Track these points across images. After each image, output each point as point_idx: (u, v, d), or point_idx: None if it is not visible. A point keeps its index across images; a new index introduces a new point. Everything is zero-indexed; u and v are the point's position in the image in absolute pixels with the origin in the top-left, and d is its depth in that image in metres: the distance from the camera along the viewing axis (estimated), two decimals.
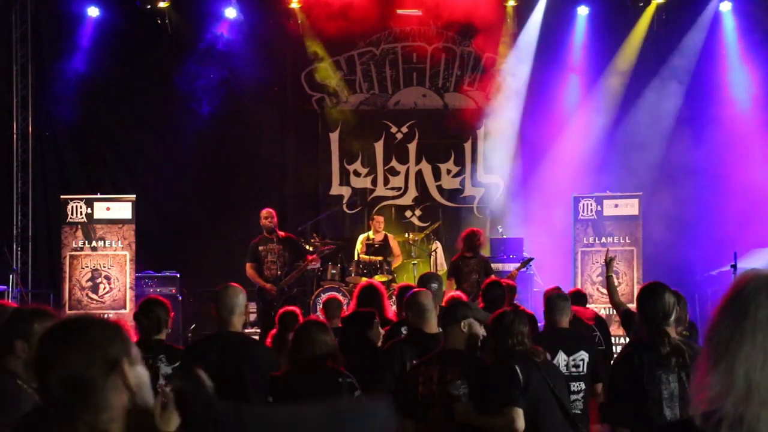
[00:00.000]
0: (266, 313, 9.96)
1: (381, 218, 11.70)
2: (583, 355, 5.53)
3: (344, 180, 13.40)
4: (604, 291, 11.23)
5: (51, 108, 12.73)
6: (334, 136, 13.40)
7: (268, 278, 10.35)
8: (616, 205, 11.47)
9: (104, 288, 11.08)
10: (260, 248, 10.47)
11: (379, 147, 13.39)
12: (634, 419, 4.03)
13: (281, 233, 10.57)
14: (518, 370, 4.17)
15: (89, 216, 11.11)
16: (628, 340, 6.75)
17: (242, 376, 4.74)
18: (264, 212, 10.58)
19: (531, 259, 10.65)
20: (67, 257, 11.11)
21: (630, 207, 11.46)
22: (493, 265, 10.48)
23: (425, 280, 6.56)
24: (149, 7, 12.50)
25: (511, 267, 11.38)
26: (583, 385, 5.47)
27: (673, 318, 4.13)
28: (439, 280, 6.62)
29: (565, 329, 5.79)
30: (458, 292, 6.54)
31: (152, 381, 5.47)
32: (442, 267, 11.71)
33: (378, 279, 10.56)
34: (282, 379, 4.49)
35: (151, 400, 2.00)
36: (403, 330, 5.62)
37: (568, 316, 5.85)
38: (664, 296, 4.15)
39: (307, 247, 10.79)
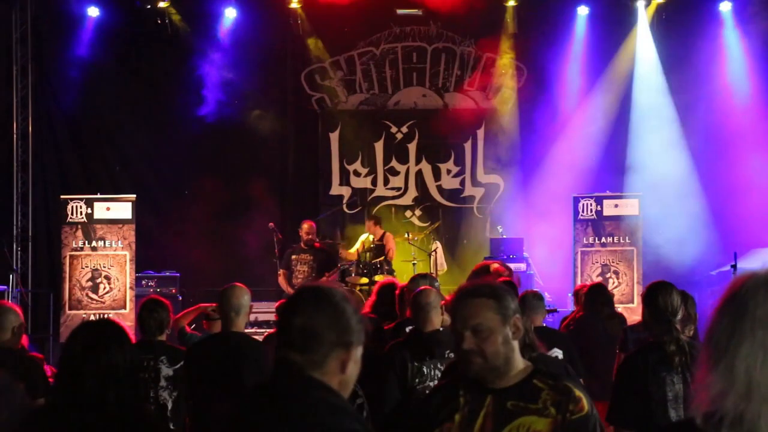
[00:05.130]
0: None
1: (370, 222, 11.66)
2: (557, 352, 5.55)
3: (344, 180, 13.40)
4: None
5: (51, 108, 12.74)
6: (334, 136, 13.41)
7: (295, 286, 10.73)
8: (616, 205, 11.48)
9: (104, 288, 11.08)
10: (293, 257, 10.98)
11: (379, 147, 13.40)
12: (638, 421, 4.02)
13: (317, 244, 11.06)
14: None
15: (89, 216, 11.11)
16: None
17: (242, 377, 4.74)
18: (305, 226, 11.08)
19: (554, 311, 10.28)
20: (67, 257, 11.11)
21: (630, 207, 11.47)
22: None
23: (419, 280, 6.50)
24: (149, 7, 12.50)
25: (510, 267, 11.37)
26: None
27: (679, 317, 4.13)
28: (432, 279, 6.54)
29: (539, 327, 5.85)
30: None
31: (154, 383, 5.49)
32: (442, 267, 11.71)
33: (378, 279, 10.57)
34: None
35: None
36: (408, 330, 5.61)
37: (543, 315, 5.97)
38: (672, 293, 4.15)
39: (344, 264, 11.02)
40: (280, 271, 10.96)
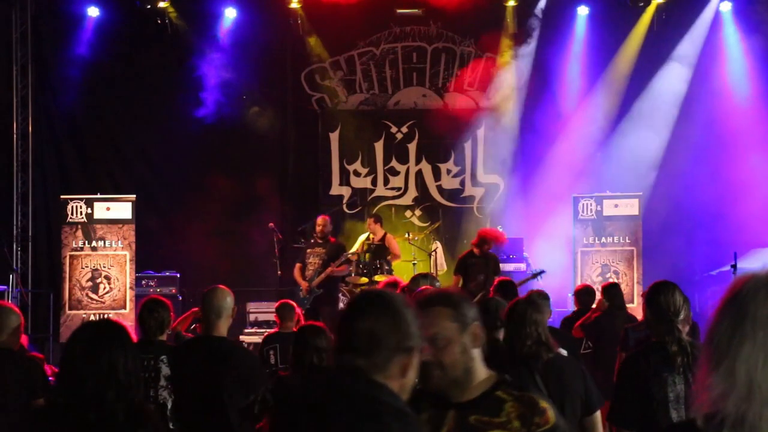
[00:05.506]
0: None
1: (370, 220, 11.68)
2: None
3: (344, 180, 13.40)
4: None
5: (51, 108, 12.75)
6: (334, 136, 13.41)
7: (306, 278, 10.88)
8: (616, 205, 11.48)
9: (104, 288, 11.09)
10: (308, 250, 11.02)
11: (379, 147, 13.40)
12: (640, 421, 4.01)
13: (332, 239, 11.06)
14: None
15: (89, 216, 11.13)
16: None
17: (221, 382, 4.72)
18: (318, 220, 11.06)
19: (542, 272, 10.52)
20: (67, 257, 11.12)
21: (630, 207, 11.48)
22: None
23: (418, 280, 6.50)
24: (149, 7, 12.51)
25: (510, 267, 11.39)
26: None
27: (682, 317, 4.11)
28: (432, 279, 6.54)
29: None
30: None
31: (154, 382, 5.48)
32: (442, 267, 11.71)
33: (378, 279, 10.59)
34: (287, 379, 4.52)
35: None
36: None
37: (548, 315, 6.03)
38: (675, 293, 4.12)
39: (349, 254, 11.04)
40: (296, 265, 11.03)
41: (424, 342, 2.49)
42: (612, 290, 7.78)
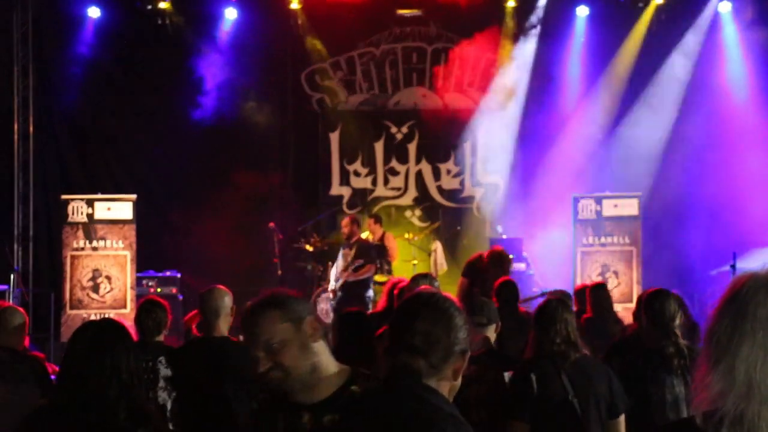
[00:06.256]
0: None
1: (370, 221, 11.67)
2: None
3: (344, 180, 13.41)
4: None
5: (52, 108, 12.76)
6: (334, 136, 13.42)
7: (337, 279, 10.85)
8: (616, 205, 11.48)
9: (105, 288, 11.09)
10: (342, 251, 10.96)
11: (379, 147, 13.41)
12: (638, 423, 4.04)
13: (362, 239, 10.95)
14: (533, 381, 4.09)
15: (90, 216, 11.13)
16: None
17: (223, 381, 4.71)
18: (342, 222, 11.13)
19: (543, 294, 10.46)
20: (68, 257, 11.13)
21: (629, 207, 11.48)
22: None
23: (419, 280, 6.50)
24: (150, 7, 12.52)
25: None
26: None
27: (678, 322, 4.17)
28: (432, 279, 6.53)
29: None
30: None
31: (152, 383, 5.49)
32: (442, 267, 11.73)
33: (377, 279, 10.62)
34: None
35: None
36: None
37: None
38: (669, 299, 4.24)
39: (360, 262, 10.97)
40: (332, 265, 11.06)
41: (261, 350, 2.42)
42: (601, 292, 7.53)
